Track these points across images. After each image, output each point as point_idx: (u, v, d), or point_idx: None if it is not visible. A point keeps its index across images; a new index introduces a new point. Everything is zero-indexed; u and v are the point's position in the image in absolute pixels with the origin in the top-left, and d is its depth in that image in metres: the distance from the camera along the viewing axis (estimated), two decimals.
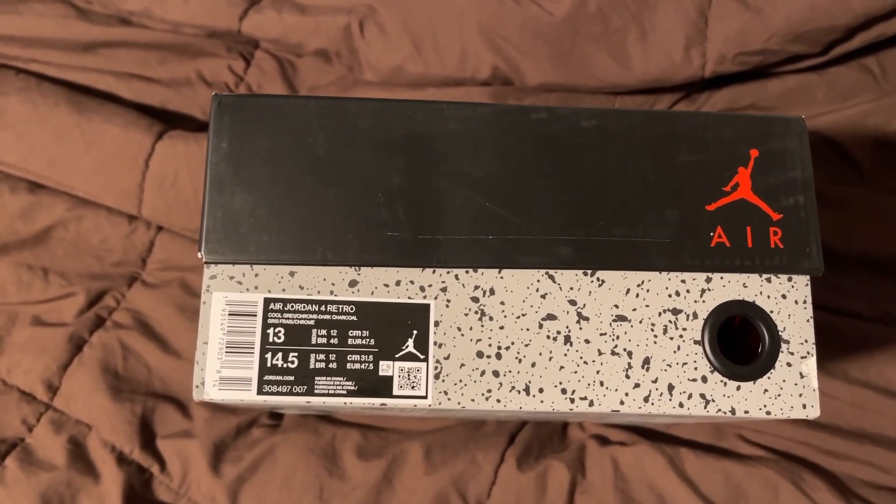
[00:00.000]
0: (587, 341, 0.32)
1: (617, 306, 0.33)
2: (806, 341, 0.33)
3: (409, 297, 0.32)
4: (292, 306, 0.32)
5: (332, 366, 0.31)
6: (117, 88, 0.64)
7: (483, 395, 0.32)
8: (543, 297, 0.33)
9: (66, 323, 0.60)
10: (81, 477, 0.55)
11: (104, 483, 0.55)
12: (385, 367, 0.31)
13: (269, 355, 0.31)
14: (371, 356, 0.32)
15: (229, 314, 0.31)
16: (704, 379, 0.33)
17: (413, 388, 0.31)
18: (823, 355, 0.59)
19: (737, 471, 0.56)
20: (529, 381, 0.32)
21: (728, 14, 0.55)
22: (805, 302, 0.34)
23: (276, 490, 0.56)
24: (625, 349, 0.33)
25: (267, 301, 0.32)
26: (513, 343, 0.32)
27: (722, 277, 0.33)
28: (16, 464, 0.54)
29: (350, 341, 0.32)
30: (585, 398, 0.32)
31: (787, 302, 0.33)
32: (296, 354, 0.31)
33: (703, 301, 0.33)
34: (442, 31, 0.58)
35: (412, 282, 0.32)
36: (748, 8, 0.55)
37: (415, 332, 0.32)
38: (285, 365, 0.31)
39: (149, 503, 0.55)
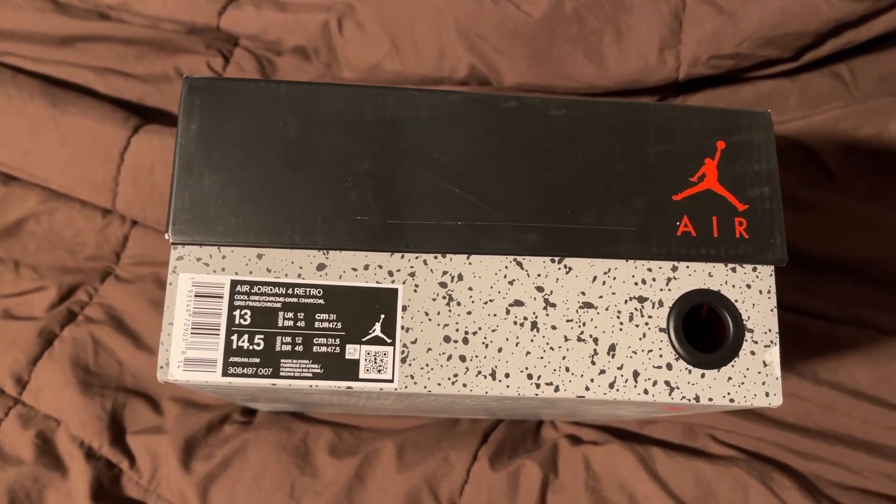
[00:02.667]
0: (553, 327, 0.33)
1: (584, 293, 0.33)
2: (770, 330, 0.34)
3: (377, 282, 0.32)
4: (259, 289, 0.32)
5: (299, 349, 0.31)
6: (94, 83, 0.64)
7: (449, 379, 0.32)
8: (511, 283, 0.33)
9: (37, 317, 0.59)
10: (49, 472, 0.54)
11: (72, 478, 0.54)
12: (352, 351, 0.31)
13: (234, 337, 0.31)
14: (338, 339, 0.32)
15: (195, 295, 0.31)
16: (669, 366, 0.33)
17: (379, 371, 0.31)
18: (793, 356, 0.59)
19: (707, 470, 0.56)
20: (496, 366, 0.32)
21: (702, 17, 0.56)
22: (769, 292, 0.34)
23: (246, 487, 0.55)
24: (591, 336, 0.33)
25: (234, 283, 0.32)
26: (480, 328, 0.32)
27: (688, 266, 0.34)
28: None
29: (317, 324, 0.32)
30: (551, 383, 0.32)
31: (752, 291, 0.34)
32: (262, 337, 0.31)
33: (669, 289, 0.34)
34: (420, 30, 0.58)
35: (380, 266, 0.32)
36: (721, 12, 0.56)
37: (382, 316, 0.32)
38: (251, 347, 0.31)
39: (117, 499, 0.54)
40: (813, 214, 0.62)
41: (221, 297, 0.31)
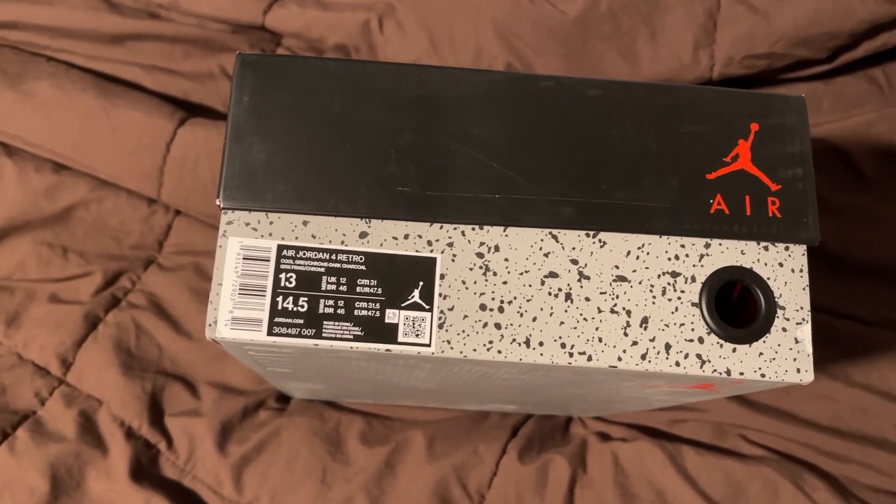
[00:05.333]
0: (587, 299, 0.34)
1: (617, 267, 0.34)
2: (801, 308, 0.34)
3: (417, 251, 0.33)
4: (304, 254, 0.33)
5: (340, 311, 0.32)
6: (142, 79, 0.67)
7: (485, 345, 0.33)
8: (546, 255, 0.34)
9: (83, 301, 0.61)
10: (90, 450, 0.56)
11: (112, 457, 0.56)
12: (391, 315, 0.33)
13: (280, 298, 0.32)
14: (378, 304, 0.33)
15: (244, 258, 0.33)
16: (701, 340, 0.33)
17: (417, 336, 0.32)
18: (825, 358, 0.59)
19: (737, 469, 0.56)
20: (530, 335, 0.33)
21: (736, 17, 0.57)
22: (801, 271, 0.34)
23: (279, 471, 0.57)
24: (624, 308, 0.34)
25: (280, 248, 0.33)
26: (515, 298, 0.33)
27: (721, 244, 0.34)
28: (27, 434, 0.56)
29: (358, 289, 0.33)
30: (584, 353, 0.33)
31: (784, 270, 0.34)
32: (306, 299, 0.32)
33: (702, 265, 0.34)
34: (458, 28, 0.60)
35: (420, 236, 0.34)
36: (755, 12, 0.57)
37: (421, 283, 0.33)
38: (295, 308, 0.32)
39: (154, 478, 0.56)
40: (845, 217, 0.62)
41: (268, 261, 0.33)
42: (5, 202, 0.62)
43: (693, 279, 0.34)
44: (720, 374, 0.33)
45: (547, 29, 0.58)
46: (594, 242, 0.34)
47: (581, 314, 0.33)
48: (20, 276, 0.62)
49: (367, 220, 0.34)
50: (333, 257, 0.33)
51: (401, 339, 0.32)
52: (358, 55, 0.64)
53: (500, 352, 0.33)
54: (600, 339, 0.33)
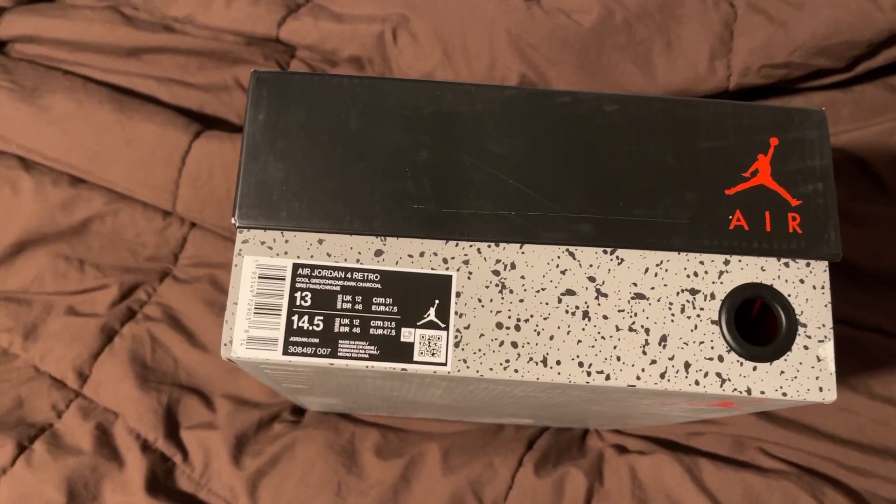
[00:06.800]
0: (605, 317, 0.33)
1: (635, 284, 0.34)
2: (823, 325, 0.34)
3: (433, 268, 0.33)
4: (319, 272, 0.33)
5: (356, 330, 0.32)
6: (158, 92, 0.67)
7: (501, 364, 0.32)
8: (563, 272, 0.33)
9: (99, 314, 0.62)
10: (107, 463, 0.56)
11: (128, 470, 0.56)
12: (407, 334, 0.32)
13: (295, 318, 0.32)
14: (393, 323, 0.32)
15: (259, 277, 0.33)
16: (721, 358, 0.33)
17: (433, 354, 0.32)
18: (846, 370, 0.58)
19: (756, 483, 0.55)
20: (547, 354, 0.33)
21: (753, 27, 0.57)
22: (823, 287, 0.34)
23: (294, 484, 0.56)
24: (642, 326, 0.33)
25: (296, 266, 0.33)
26: (532, 316, 0.33)
27: (740, 260, 0.34)
28: (44, 447, 0.56)
29: (374, 308, 0.33)
30: (602, 372, 0.33)
31: (805, 287, 0.34)
32: (321, 318, 0.32)
33: (721, 282, 0.34)
34: (472, 39, 0.60)
35: (435, 253, 0.33)
36: (773, 21, 0.56)
37: (436, 301, 0.33)
38: (311, 328, 0.32)
39: (170, 492, 0.56)
40: (866, 227, 0.61)
41: (284, 280, 0.33)
42: (23, 215, 0.63)
43: (712, 296, 0.34)
44: (740, 392, 0.33)
45: (561, 40, 0.58)
46: (612, 259, 0.34)
47: (599, 332, 0.33)
48: (37, 289, 0.62)
49: (383, 237, 0.33)
50: (349, 276, 0.33)
51: (417, 358, 0.32)
52: (372, 67, 0.64)
53: (516, 371, 0.32)
54: (618, 358, 0.33)
